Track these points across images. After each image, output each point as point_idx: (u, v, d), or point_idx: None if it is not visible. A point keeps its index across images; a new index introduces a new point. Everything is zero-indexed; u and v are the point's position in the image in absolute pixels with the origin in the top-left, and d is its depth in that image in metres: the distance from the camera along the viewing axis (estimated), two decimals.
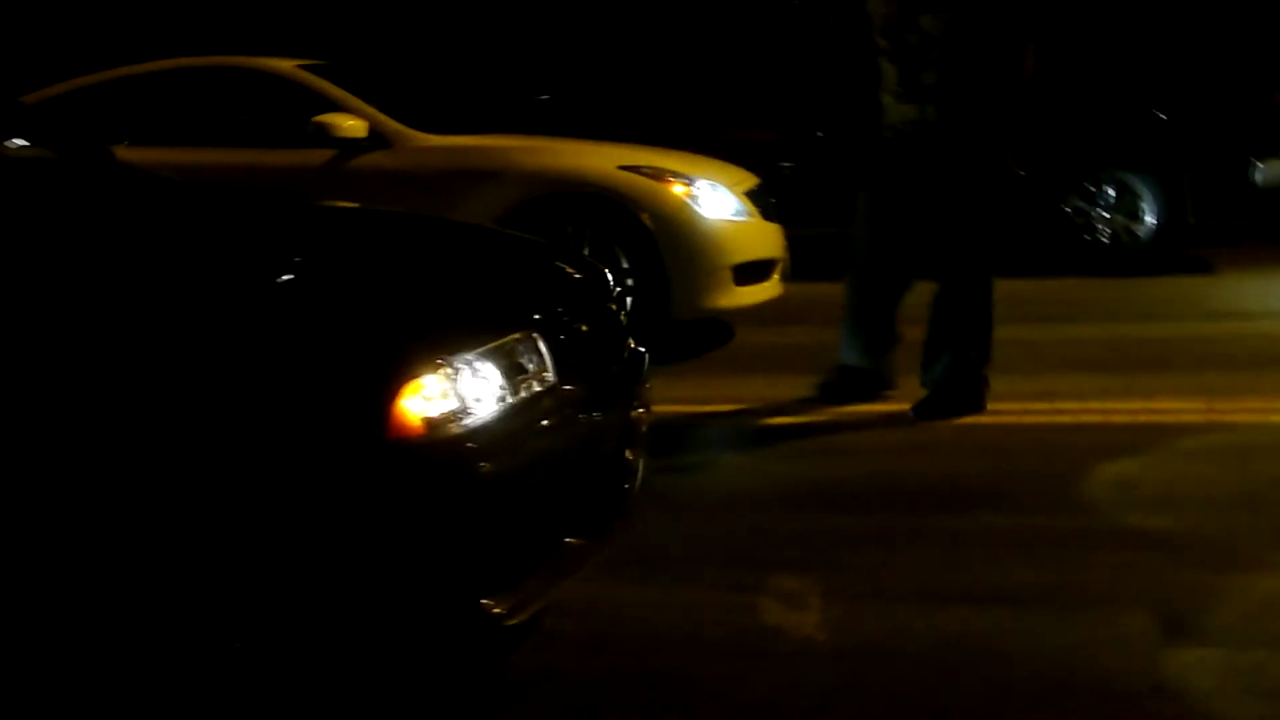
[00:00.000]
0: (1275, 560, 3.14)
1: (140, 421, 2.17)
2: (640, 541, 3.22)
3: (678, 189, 5.85)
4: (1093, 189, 8.59)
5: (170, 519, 2.17)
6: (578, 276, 3.10)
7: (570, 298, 2.95)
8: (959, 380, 4.70)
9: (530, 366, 2.63)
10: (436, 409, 2.36)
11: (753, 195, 6.23)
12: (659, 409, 4.71)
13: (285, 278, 2.54)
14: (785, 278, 6.44)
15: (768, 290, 6.25)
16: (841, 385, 4.93)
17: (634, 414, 3.04)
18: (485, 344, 2.49)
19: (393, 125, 6.11)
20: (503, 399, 2.50)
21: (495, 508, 2.42)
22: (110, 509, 2.17)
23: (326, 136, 5.91)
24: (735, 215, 6.02)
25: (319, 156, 5.98)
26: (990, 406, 4.70)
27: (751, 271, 6.06)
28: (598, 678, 2.60)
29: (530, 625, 2.69)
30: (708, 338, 6.38)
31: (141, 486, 2.17)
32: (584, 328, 2.88)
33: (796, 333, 6.46)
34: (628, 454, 3.03)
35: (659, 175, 5.89)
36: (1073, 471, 3.92)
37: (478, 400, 2.45)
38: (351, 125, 5.95)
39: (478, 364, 2.47)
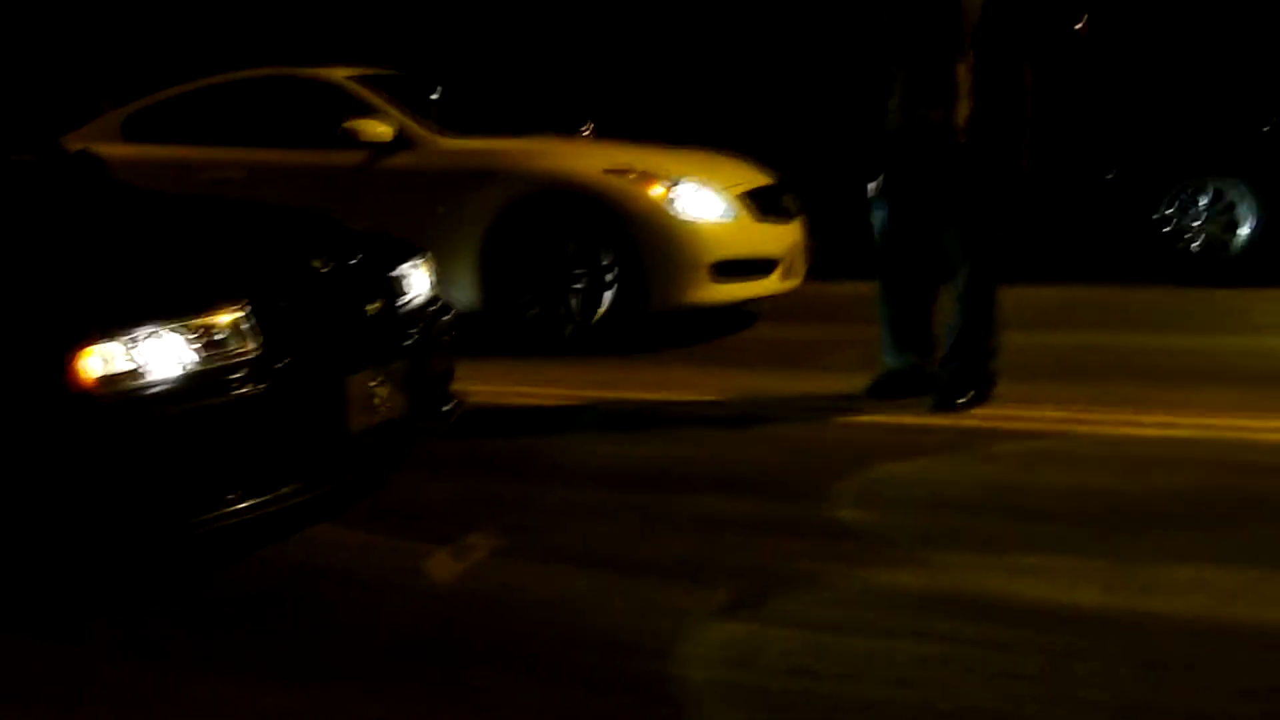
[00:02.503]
0: (928, 559, 3.25)
1: None
2: (400, 495, 3.79)
3: (656, 190, 6.30)
4: (1186, 197, 8.47)
5: None
6: (324, 269, 3.65)
7: (301, 282, 3.50)
8: (970, 373, 4.81)
9: (226, 339, 3.21)
10: (111, 369, 3.00)
11: (755, 196, 6.59)
12: (563, 390, 5.29)
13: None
14: (789, 274, 6.74)
15: (762, 287, 6.62)
16: (886, 385, 5.00)
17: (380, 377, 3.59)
18: (173, 322, 3.10)
19: (417, 129, 6.79)
20: (187, 364, 3.10)
21: (167, 445, 3.04)
22: None
23: (355, 140, 6.64)
24: (720, 216, 6.40)
25: (354, 157, 6.73)
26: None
27: (737, 268, 6.44)
28: (258, 590, 3.15)
29: (243, 550, 3.35)
30: (722, 329, 6.78)
31: None
32: (313, 308, 3.45)
33: (815, 330, 6.80)
34: (375, 401, 3.56)
35: (639, 177, 6.34)
36: (862, 469, 4.07)
37: (157, 365, 3.06)
38: (378, 130, 6.67)
39: (160, 338, 3.08)
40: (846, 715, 2.44)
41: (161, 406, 3.07)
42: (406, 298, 3.98)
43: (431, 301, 4.16)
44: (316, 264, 3.65)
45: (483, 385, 4.85)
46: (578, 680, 2.60)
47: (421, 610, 3.04)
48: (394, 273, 3.94)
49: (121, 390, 3.02)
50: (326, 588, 3.16)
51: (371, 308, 3.73)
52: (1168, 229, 8.52)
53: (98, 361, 3.01)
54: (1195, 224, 8.50)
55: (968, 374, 4.72)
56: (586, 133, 10.10)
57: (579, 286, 6.40)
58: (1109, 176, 8.97)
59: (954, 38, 4.58)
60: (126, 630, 2.93)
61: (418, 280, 4.07)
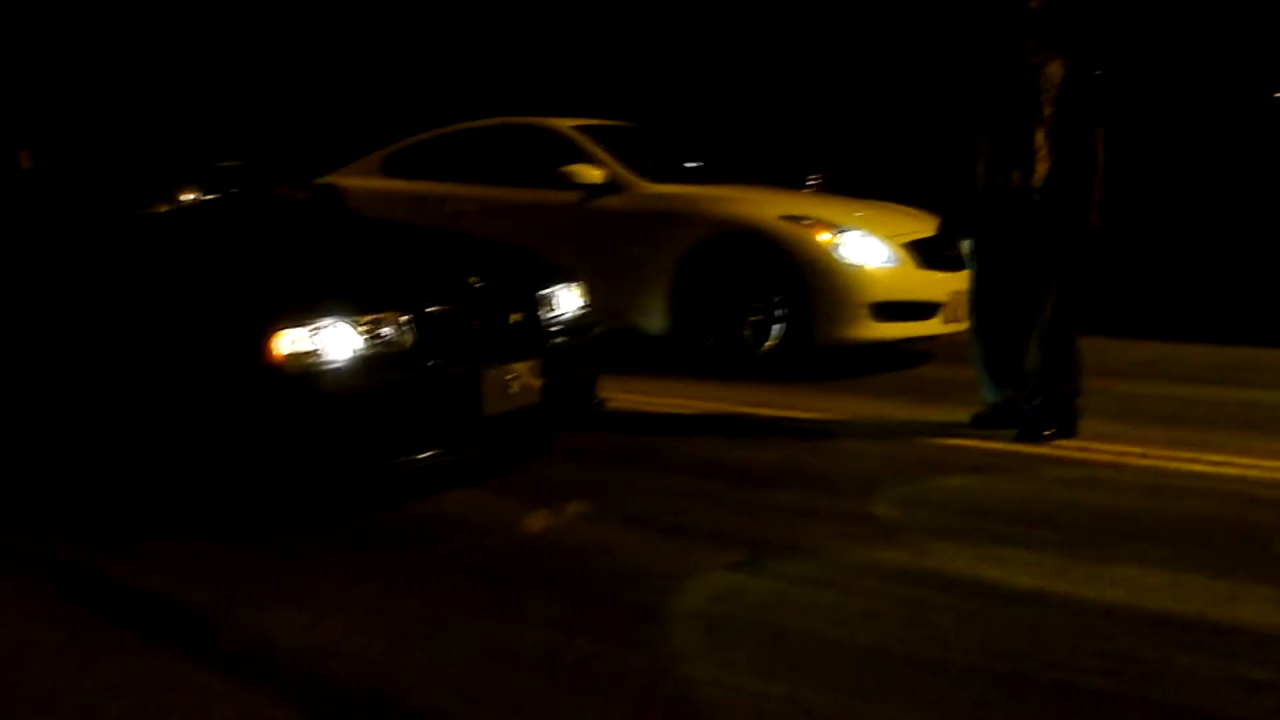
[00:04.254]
0: (922, 546, 3.86)
1: (154, 356, 4.05)
2: (528, 470, 4.77)
3: (823, 236, 7.07)
4: None
5: (169, 404, 4.03)
6: (479, 285, 4.64)
7: (456, 295, 4.49)
8: (1053, 409, 5.36)
9: (391, 333, 4.25)
10: (298, 348, 4.07)
11: (919, 245, 7.26)
12: (704, 403, 6.14)
13: (234, 272, 4.35)
14: (951, 318, 7.37)
15: (921, 328, 7.27)
16: (989, 418, 5.59)
17: (516, 372, 4.54)
18: (344, 316, 4.15)
19: (626, 175, 7.78)
20: (358, 348, 4.15)
21: (335, 408, 4.09)
22: (143, 396, 4.06)
23: (571, 182, 7.71)
24: (883, 262, 7.13)
25: (570, 196, 7.79)
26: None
27: (897, 311, 7.13)
28: (395, 527, 4.04)
29: (394, 499, 4.32)
30: (891, 365, 7.52)
31: (156, 387, 4.04)
32: (463, 316, 4.45)
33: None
34: (511, 391, 4.52)
35: (811, 224, 7.14)
36: (918, 479, 4.74)
37: (334, 347, 4.11)
38: (591, 174, 7.70)
39: (336, 327, 4.13)
40: (780, 639, 3.14)
41: (332, 380, 4.07)
42: (552, 311, 4.89)
43: (578, 317, 5.06)
44: (473, 280, 4.63)
45: (643, 396, 5.78)
46: (598, 603, 3.40)
47: (507, 549, 3.94)
48: (542, 291, 4.88)
49: (303, 364, 4.05)
50: (444, 530, 4.10)
51: (515, 317, 4.67)
52: None
53: (287, 341, 4.04)
54: None
55: (1049, 410, 5.27)
56: (814, 184, 10.90)
57: (754, 320, 7.19)
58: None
59: (1032, 108, 5.17)
60: (293, 545, 3.92)
61: (565, 298, 4.99)
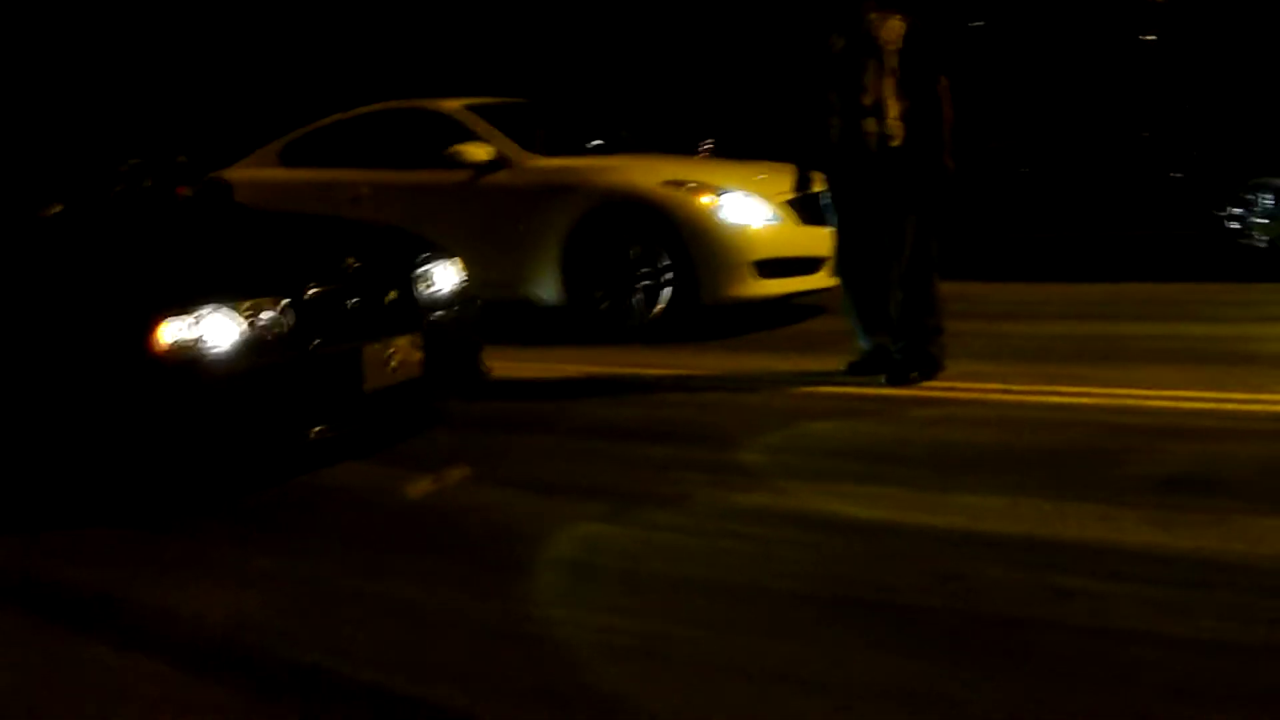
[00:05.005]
0: (783, 488, 4.14)
1: (48, 353, 4.19)
2: (412, 440, 4.97)
3: (705, 199, 7.31)
4: (1249, 196, 8.99)
5: (65, 398, 4.17)
6: (355, 266, 4.82)
7: (333, 277, 4.67)
8: (918, 351, 5.64)
9: (270, 317, 4.42)
10: (180, 337, 4.23)
11: (801, 203, 7.48)
12: (588, 367, 6.36)
13: (119, 267, 4.50)
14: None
15: (804, 283, 7.53)
16: (862, 364, 5.88)
17: (395, 347, 4.72)
18: (226, 303, 4.31)
19: (514, 150, 7.96)
20: (239, 334, 4.32)
21: (221, 392, 4.25)
22: (40, 391, 4.19)
23: (458, 161, 7.88)
24: (765, 221, 7.37)
25: (460, 175, 7.96)
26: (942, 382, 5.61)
27: (781, 267, 7.38)
28: (282, 500, 4.24)
29: (280, 474, 4.49)
30: (783, 320, 7.77)
31: (53, 382, 4.18)
32: (340, 296, 4.61)
33: None
34: (391, 366, 4.70)
35: (694, 188, 7.36)
36: (788, 426, 5.00)
37: (215, 334, 4.28)
38: (478, 151, 7.87)
39: (218, 314, 4.29)
40: (635, 580, 3.38)
41: (216, 365, 4.25)
42: (430, 287, 5.08)
43: (457, 291, 5.25)
44: (349, 261, 4.81)
45: (534, 364, 6.17)
46: (469, 559, 3.63)
47: (388, 514, 4.15)
48: (419, 269, 5.06)
49: (187, 352, 4.22)
50: (329, 500, 4.30)
51: (391, 295, 4.85)
52: (1235, 226, 9.02)
53: (171, 331, 4.20)
54: (1259, 223, 8.97)
55: (914, 352, 5.55)
56: (707, 149, 11.15)
57: (643, 285, 7.42)
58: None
59: (878, 61, 5.45)
60: (189, 524, 4.10)
61: (442, 274, 5.18)
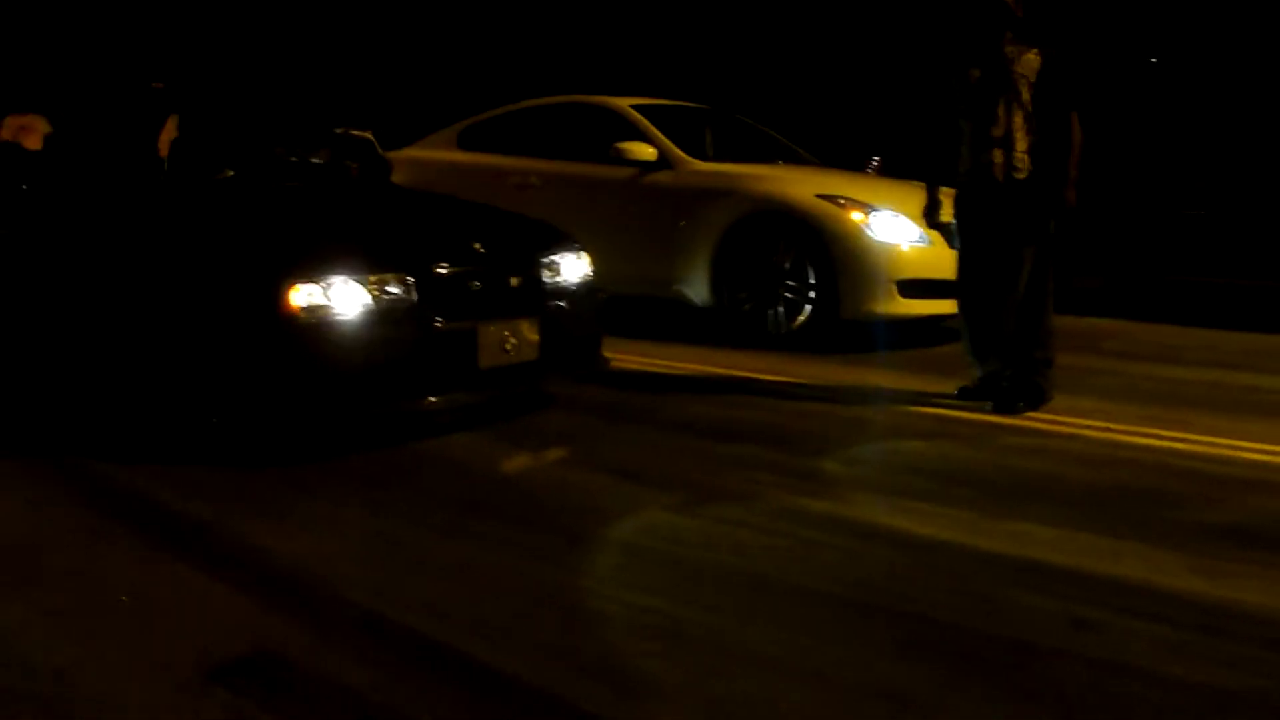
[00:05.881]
0: (849, 498, 4.29)
1: (192, 306, 4.63)
2: (522, 419, 5.27)
3: (856, 215, 7.45)
4: None
5: (201, 348, 4.59)
6: (481, 249, 5.16)
7: (459, 258, 5.01)
8: (1025, 381, 5.73)
9: (396, 291, 4.79)
10: (310, 302, 4.63)
11: (947, 227, 7.59)
12: (711, 368, 6.59)
13: (264, 234, 4.93)
14: None
15: (948, 306, 7.58)
16: (974, 390, 5.94)
17: (513, 329, 5.03)
18: (354, 274, 4.71)
19: (676, 152, 8.23)
20: (365, 304, 4.71)
21: (342, 355, 4.64)
22: (181, 340, 4.62)
23: (624, 158, 8.20)
24: (912, 241, 7.48)
25: (625, 172, 8.28)
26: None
27: (924, 288, 7.47)
28: (393, 461, 4.53)
29: (397, 438, 4.85)
30: (924, 342, 7.80)
31: (192, 332, 4.61)
32: (464, 277, 4.95)
33: None
34: (507, 347, 5.03)
35: (845, 203, 7.52)
36: (878, 441, 5.21)
37: (343, 302, 4.67)
38: (643, 150, 8.18)
39: (346, 284, 4.69)
40: (678, 565, 3.58)
41: (340, 330, 4.62)
42: (555, 276, 5.38)
43: (582, 282, 5.54)
44: (476, 245, 5.15)
45: (660, 360, 6.50)
46: (538, 530, 3.89)
47: (483, 485, 4.44)
48: (545, 257, 5.37)
49: (315, 315, 4.60)
50: (429, 464, 4.63)
51: (514, 280, 5.16)
52: None
53: (302, 295, 4.60)
54: None
55: (1022, 383, 5.61)
56: (875, 166, 11.23)
57: (788, 296, 7.60)
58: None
59: (1011, 93, 5.51)
60: (295, 474, 4.46)
61: (569, 264, 5.48)
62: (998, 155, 5.51)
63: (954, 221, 5.85)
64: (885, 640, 3.07)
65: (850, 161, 10.02)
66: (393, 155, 9.57)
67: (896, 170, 9.95)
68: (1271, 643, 3.12)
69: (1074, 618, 3.25)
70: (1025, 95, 5.47)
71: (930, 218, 6.06)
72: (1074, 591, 3.44)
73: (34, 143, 5.88)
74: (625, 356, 6.53)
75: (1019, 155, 5.48)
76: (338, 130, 7.93)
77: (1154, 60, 10.98)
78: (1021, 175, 5.48)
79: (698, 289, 7.84)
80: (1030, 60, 5.48)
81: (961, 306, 5.81)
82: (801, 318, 7.47)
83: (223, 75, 17.85)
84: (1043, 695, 2.77)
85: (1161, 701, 2.76)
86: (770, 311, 7.59)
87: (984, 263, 5.67)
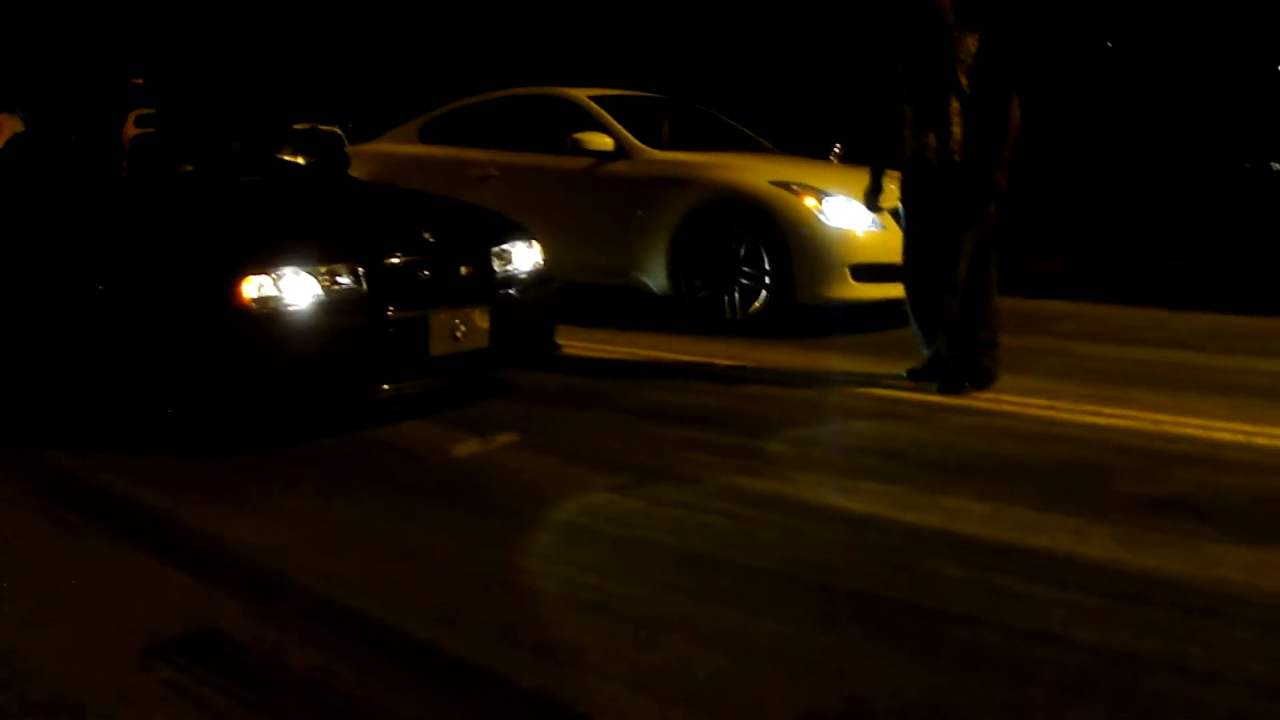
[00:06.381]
0: (791, 477, 4.39)
1: (142, 298, 4.71)
2: (473, 406, 5.38)
3: (809, 201, 7.56)
4: None
5: (154, 340, 4.67)
6: (431, 239, 5.26)
7: (409, 248, 5.11)
8: (970, 362, 5.83)
9: (346, 281, 4.89)
10: (261, 293, 4.72)
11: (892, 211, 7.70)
12: (660, 353, 6.69)
13: (215, 227, 5.02)
14: None
15: (899, 290, 7.72)
16: (923, 371, 6.05)
17: (464, 318, 5.13)
18: (305, 265, 4.80)
19: (633, 142, 8.33)
20: (315, 295, 4.80)
21: (294, 345, 4.73)
22: (132, 332, 4.70)
23: (581, 148, 8.30)
24: (866, 226, 7.60)
25: (582, 162, 8.38)
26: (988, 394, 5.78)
27: (878, 272, 7.59)
28: (343, 449, 4.62)
29: (345, 426, 4.96)
30: (878, 325, 7.86)
31: (143, 324, 4.68)
32: (414, 266, 5.06)
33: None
34: (458, 335, 5.13)
35: (799, 189, 7.63)
36: (825, 422, 5.32)
37: (294, 293, 4.77)
38: (600, 140, 8.28)
39: (297, 275, 4.78)
40: (619, 544, 3.70)
41: (292, 320, 4.72)
42: (507, 265, 5.48)
43: (534, 270, 5.64)
44: (427, 236, 5.25)
45: (617, 346, 6.63)
46: (487, 513, 4.00)
47: (430, 469, 4.55)
48: (496, 247, 5.47)
49: (267, 307, 4.69)
50: (382, 452, 4.73)
51: (465, 269, 5.26)
52: None
53: (253, 287, 4.69)
54: None
55: (968, 363, 5.74)
56: (837, 153, 11.36)
57: (744, 282, 7.71)
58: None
59: (948, 77, 5.63)
60: (247, 463, 4.56)
61: (521, 254, 5.58)
62: (932, 139, 5.64)
63: (899, 206, 5.95)
64: (809, 612, 3.19)
65: (814, 149, 10.10)
66: (357, 150, 9.66)
67: (860, 157, 10.06)
68: (1185, 607, 3.24)
69: (994, 587, 3.36)
70: (963, 80, 5.58)
71: (870, 201, 6.17)
72: (999, 563, 3.56)
73: None
74: (581, 344, 6.63)
75: (955, 139, 5.58)
76: (299, 126, 8.01)
77: (1109, 45, 11.12)
78: (957, 159, 5.58)
79: (656, 277, 7.95)
80: (969, 45, 5.59)
81: (906, 289, 5.92)
82: (758, 303, 7.57)
83: (199, 72, 17.93)
84: (955, 660, 2.89)
85: (1068, 663, 2.88)
86: (727, 298, 7.69)
87: (925, 245, 5.79)
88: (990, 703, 2.68)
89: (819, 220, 7.43)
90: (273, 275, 4.66)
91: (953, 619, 3.15)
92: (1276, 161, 9.25)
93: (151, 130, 6.38)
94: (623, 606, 3.21)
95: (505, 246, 5.45)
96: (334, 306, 4.77)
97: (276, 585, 3.35)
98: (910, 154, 5.75)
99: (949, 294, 5.68)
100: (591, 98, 8.71)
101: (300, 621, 3.09)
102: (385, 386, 4.91)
